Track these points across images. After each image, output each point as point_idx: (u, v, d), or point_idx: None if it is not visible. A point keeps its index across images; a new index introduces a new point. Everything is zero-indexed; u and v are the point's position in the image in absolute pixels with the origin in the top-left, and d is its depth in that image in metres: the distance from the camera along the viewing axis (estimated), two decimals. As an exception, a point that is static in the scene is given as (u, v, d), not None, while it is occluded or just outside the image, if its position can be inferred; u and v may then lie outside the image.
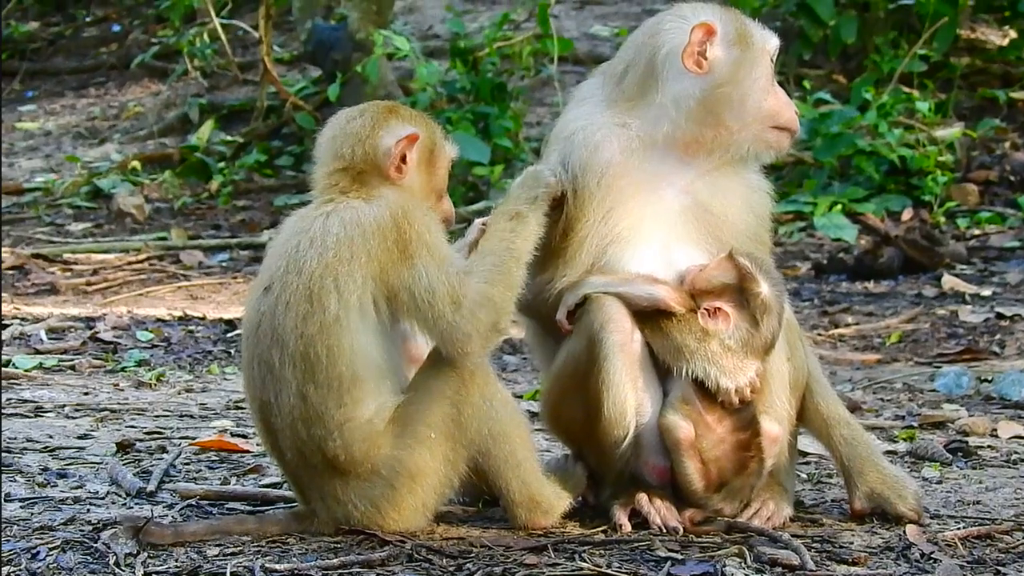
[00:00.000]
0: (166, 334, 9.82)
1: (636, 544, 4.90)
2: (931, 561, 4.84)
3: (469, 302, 4.82)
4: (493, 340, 4.91)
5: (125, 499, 5.56)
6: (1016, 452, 6.56)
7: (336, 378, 4.79)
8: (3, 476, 5.76)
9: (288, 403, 4.83)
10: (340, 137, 5.08)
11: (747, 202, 5.29)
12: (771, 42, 5.30)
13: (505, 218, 5.02)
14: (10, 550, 4.79)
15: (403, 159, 5.02)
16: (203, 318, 10.48)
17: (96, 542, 4.86)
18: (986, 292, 11.20)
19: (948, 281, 11.49)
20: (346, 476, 4.87)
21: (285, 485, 5.54)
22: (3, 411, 7.03)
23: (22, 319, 10.23)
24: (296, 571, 4.62)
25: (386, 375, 4.88)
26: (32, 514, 5.27)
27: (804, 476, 6.01)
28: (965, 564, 4.81)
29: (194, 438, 6.66)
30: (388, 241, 4.82)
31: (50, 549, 4.82)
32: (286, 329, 4.80)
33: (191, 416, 7.31)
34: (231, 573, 4.60)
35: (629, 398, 5.05)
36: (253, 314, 4.93)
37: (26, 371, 8.44)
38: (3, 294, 11.02)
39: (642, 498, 5.09)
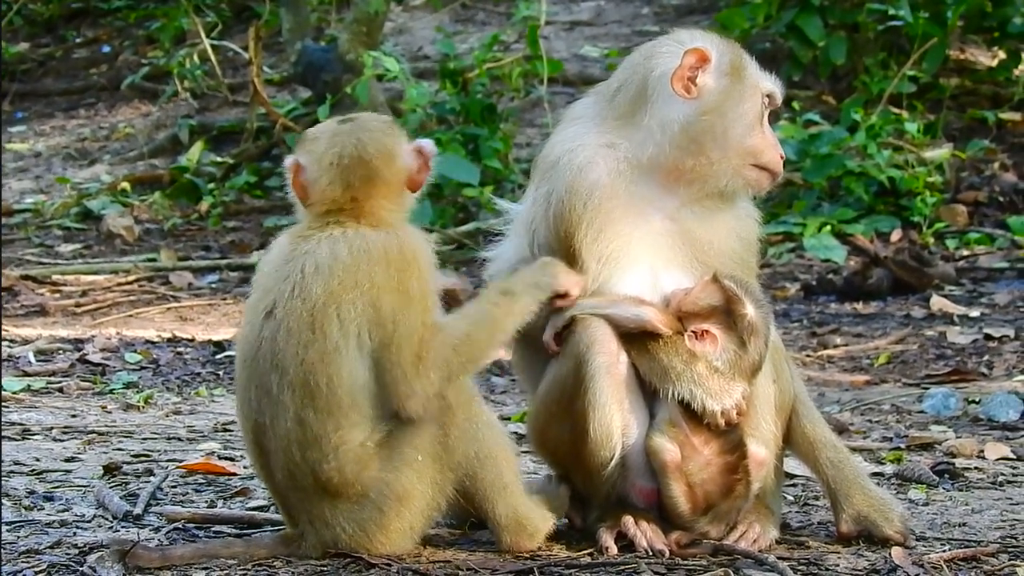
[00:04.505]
0: (155, 356, 9.82)
1: (622, 567, 4.89)
2: (917, 583, 4.86)
3: (428, 361, 4.79)
4: (432, 406, 4.85)
5: (112, 522, 5.55)
6: (1003, 474, 6.57)
7: (335, 404, 4.77)
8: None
9: (284, 427, 4.81)
10: (356, 142, 4.96)
11: (733, 228, 5.29)
12: (766, 83, 5.31)
13: (498, 291, 5.00)
14: (-4, 574, 4.79)
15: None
16: (192, 340, 10.48)
17: (82, 566, 4.85)
18: (974, 313, 11.22)
19: (937, 302, 11.51)
20: (335, 498, 4.86)
21: (272, 508, 5.54)
22: (-9, 434, 7.03)
23: (11, 341, 10.22)
24: (282, 595, 4.62)
25: (381, 401, 4.85)
26: (18, 537, 5.26)
27: (790, 498, 6.02)
28: (951, 586, 4.83)
29: (181, 461, 6.65)
30: (391, 268, 4.80)
31: (36, 573, 4.82)
32: (287, 356, 4.78)
33: (179, 439, 7.30)
34: (217, 597, 4.62)
35: (615, 420, 5.06)
36: (252, 338, 4.88)
37: (14, 393, 8.42)
38: (-8, 316, 11.03)
39: (628, 521, 5.08)
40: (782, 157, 5.31)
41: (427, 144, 5.09)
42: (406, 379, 4.78)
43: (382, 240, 4.85)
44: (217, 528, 5.49)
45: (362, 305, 4.77)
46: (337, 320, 4.76)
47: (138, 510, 5.65)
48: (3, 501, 5.80)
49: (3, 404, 8.04)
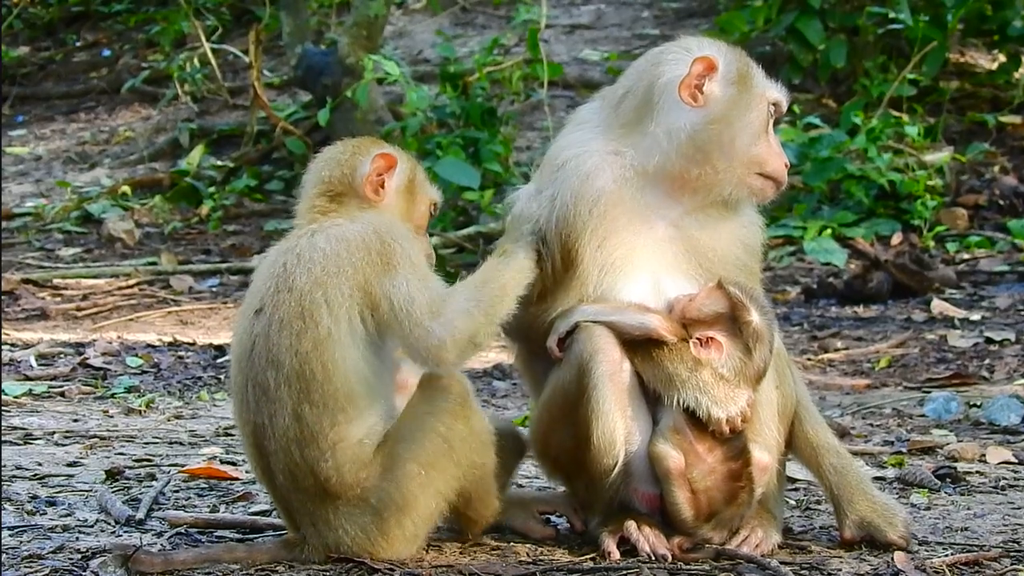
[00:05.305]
0: (156, 360, 9.82)
1: (625, 571, 4.89)
2: (919, 588, 4.86)
3: (449, 311, 4.83)
4: (469, 353, 4.90)
5: (114, 527, 5.55)
6: (1004, 478, 6.56)
7: (331, 396, 4.80)
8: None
9: (283, 424, 4.83)
10: (322, 163, 5.19)
11: (737, 235, 5.29)
12: (772, 92, 5.30)
13: (495, 254, 5.11)
14: (-1, 579, 4.79)
15: (382, 184, 5.11)
16: (193, 344, 10.48)
17: (85, 571, 4.85)
18: (975, 317, 11.21)
19: (937, 306, 11.50)
20: (337, 501, 4.87)
21: (274, 513, 5.54)
22: (-7, 438, 7.03)
23: (12, 345, 10.22)
24: (285, 600, 4.62)
25: (376, 395, 4.89)
26: (21, 542, 5.25)
27: (793, 503, 6.02)
28: (954, 591, 4.83)
29: (183, 465, 6.65)
30: (372, 253, 4.86)
31: (38, 578, 4.83)
32: (281, 349, 4.82)
33: (180, 443, 7.30)
34: (220, 602, 4.61)
35: (618, 427, 5.05)
36: (245, 338, 4.94)
37: (15, 397, 8.42)
38: (-7, 319, 11.03)
39: (631, 525, 5.08)
40: (787, 166, 5.31)
41: (387, 149, 5.19)
42: (429, 332, 4.81)
43: (358, 228, 4.93)
44: (219, 533, 5.49)
45: (349, 290, 4.82)
46: (326, 305, 4.81)
47: (140, 515, 5.65)
48: (5, 506, 5.80)
49: (4, 408, 8.03)
